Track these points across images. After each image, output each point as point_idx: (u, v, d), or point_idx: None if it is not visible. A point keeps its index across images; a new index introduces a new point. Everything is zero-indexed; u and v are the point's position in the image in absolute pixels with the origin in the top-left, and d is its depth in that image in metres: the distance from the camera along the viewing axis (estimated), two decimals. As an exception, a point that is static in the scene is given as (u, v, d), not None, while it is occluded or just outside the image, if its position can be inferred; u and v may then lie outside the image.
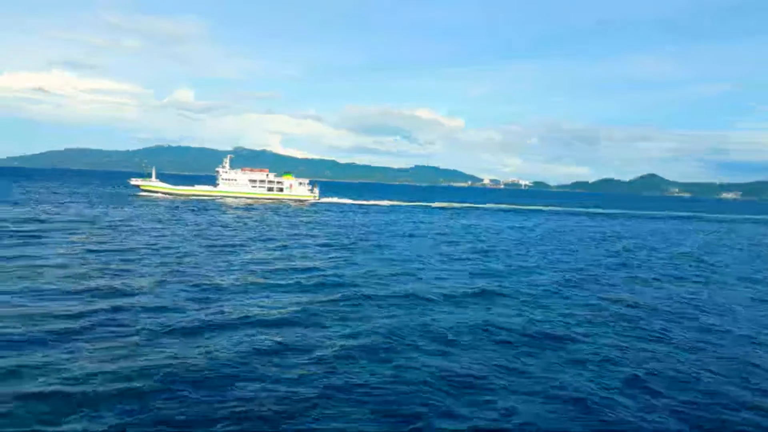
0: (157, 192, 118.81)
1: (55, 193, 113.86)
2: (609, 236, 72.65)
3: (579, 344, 21.46)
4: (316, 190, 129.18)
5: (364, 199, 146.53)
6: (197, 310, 23.52)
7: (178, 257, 36.77)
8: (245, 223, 65.81)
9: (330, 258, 40.32)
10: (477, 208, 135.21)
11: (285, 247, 45.59)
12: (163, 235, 48.23)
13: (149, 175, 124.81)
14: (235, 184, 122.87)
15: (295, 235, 55.74)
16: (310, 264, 36.96)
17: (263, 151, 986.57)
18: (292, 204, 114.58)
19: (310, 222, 72.51)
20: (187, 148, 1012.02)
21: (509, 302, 28.15)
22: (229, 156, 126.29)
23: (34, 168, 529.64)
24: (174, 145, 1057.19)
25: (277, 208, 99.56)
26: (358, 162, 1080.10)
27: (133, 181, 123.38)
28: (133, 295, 25.53)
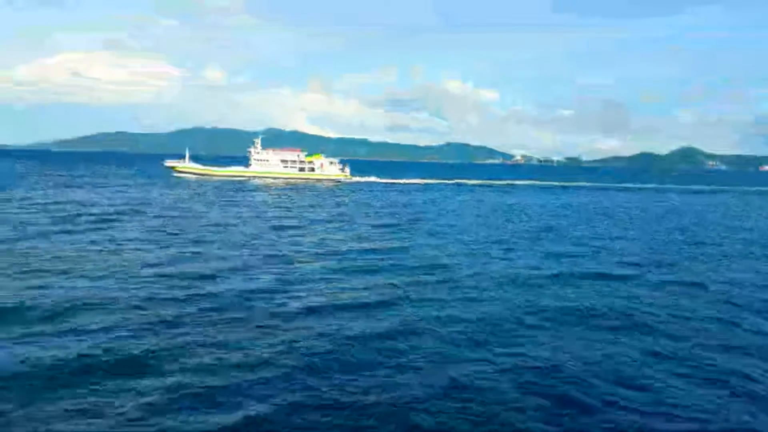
0: (190, 173, 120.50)
1: (104, 177, 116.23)
2: (666, 213, 70.42)
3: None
4: (347, 170, 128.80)
5: (395, 178, 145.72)
6: (297, 294, 23.22)
7: (249, 239, 36.94)
8: (293, 203, 66.76)
9: (396, 238, 39.97)
10: (514, 186, 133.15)
11: (344, 228, 45.52)
12: (226, 218, 48.77)
13: (183, 157, 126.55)
14: (267, 165, 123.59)
15: (344, 214, 55.96)
16: (379, 245, 36.61)
17: (295, 132, 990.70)
18: (325, 184, 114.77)
19: (353, 202, 72.54)
20: (221, 130, 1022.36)
21: (604, 283, 27.12)
22: (260, 137, 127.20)
23: (75, 152, 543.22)
24: (208, 127, 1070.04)
25: (312, 187, 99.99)
26: (390, 140, 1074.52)
27: (168, 163, 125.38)
28: (226, 278, 25.45)
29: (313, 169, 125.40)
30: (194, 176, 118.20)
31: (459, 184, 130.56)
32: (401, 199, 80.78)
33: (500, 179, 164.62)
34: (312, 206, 63.99)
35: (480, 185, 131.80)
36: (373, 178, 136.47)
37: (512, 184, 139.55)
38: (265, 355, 16.26)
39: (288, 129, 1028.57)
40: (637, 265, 32.24)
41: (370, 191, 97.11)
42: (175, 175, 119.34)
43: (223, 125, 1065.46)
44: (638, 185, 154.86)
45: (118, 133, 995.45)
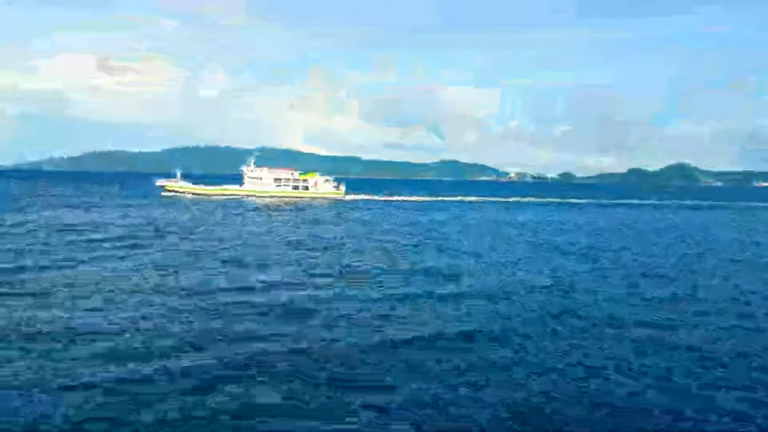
0: (182, 192, 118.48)
1: (101, 197, 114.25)
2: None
3: None
4: (342, 188, 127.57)
5: (391, 195, 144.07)
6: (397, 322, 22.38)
7: (293, 262, 36.04)
8: (301, 222, 67.26)
9: (433, 258, 39.63)
10: (518, 203, 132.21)
11: (382, 248, 44.76)
12: (253, 238, 48.19)
13: (174, 176, 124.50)
14: (261, 183, 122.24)
15: (364, 234, 55.33)
16: (425, 264, 36.21)
17: (289, 150, 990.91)
18: (319, 202, 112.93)
19: (359, 221, 71.14)
20: (216, 148, 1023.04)
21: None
22: (255, 155, 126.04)
23: (72, 171, 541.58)
24: (202, 145, 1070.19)
25: (307, 206, 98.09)
26: (383, 158, 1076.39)
27: (159, 182, 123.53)
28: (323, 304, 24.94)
29: (307, 188, 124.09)
30: (186, 195, 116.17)
31: (461, 202, 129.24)
32: (404, 217, 79.01)
33: (504, 196, 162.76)
34: (322, 226, 63.06)
35: (482, 202, 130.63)
36: (368, 196, 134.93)
37: (518, 201, 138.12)
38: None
39: (283, 147, 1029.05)
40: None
41: (376, 209, 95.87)
42: (166, 194, 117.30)
43: (217, 143, 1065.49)
44: (653, 201, 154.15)
45: (110, 152, 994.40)
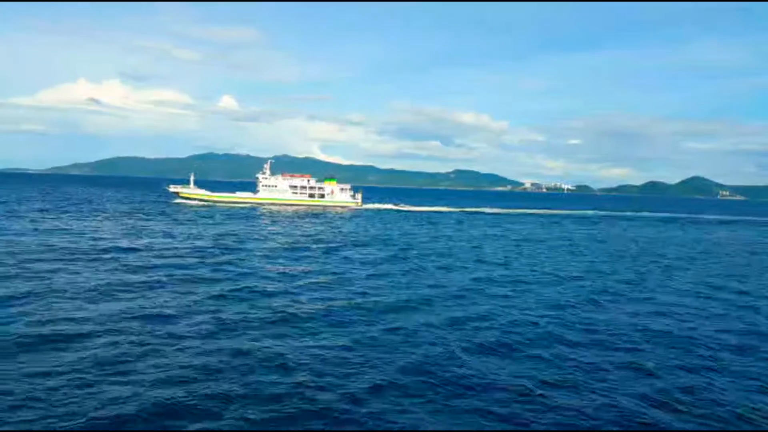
0: (194, 199, 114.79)
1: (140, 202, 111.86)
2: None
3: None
4: (359, 196, 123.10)
5: (409, 205, 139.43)
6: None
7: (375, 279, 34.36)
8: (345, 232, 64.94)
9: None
10: (540, 215, 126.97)
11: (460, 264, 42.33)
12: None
13: (188, 182, 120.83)
14: (276, 191, 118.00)
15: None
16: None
17: (306, 158, 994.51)
18: (336, 210, 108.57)
19: (398, 233, 66.81)
20: (236, 156, 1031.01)
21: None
22: (269, 161, 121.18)
23: (97, 176, 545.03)
24: (223, 153, 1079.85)
25: (322, 215, 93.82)
26: (398, 167, 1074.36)
27: (172, 188, 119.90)
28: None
29: (323, 196, 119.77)
30: (198, 202, 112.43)
31: (479, 213, 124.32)
32: (435, 230, 73.77)
33: (518, 208, 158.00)
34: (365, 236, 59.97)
35: (506, 213, 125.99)
36: (386, 205, 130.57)
37: (536, 213, 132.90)
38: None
39: (301, 156, 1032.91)
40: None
41: (402, 219, 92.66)
42: (179, 201, 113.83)
43: (236, 151, 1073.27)
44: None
45: (133, 158, 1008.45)
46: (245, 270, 35.16)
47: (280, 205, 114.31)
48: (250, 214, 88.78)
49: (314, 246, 49.52)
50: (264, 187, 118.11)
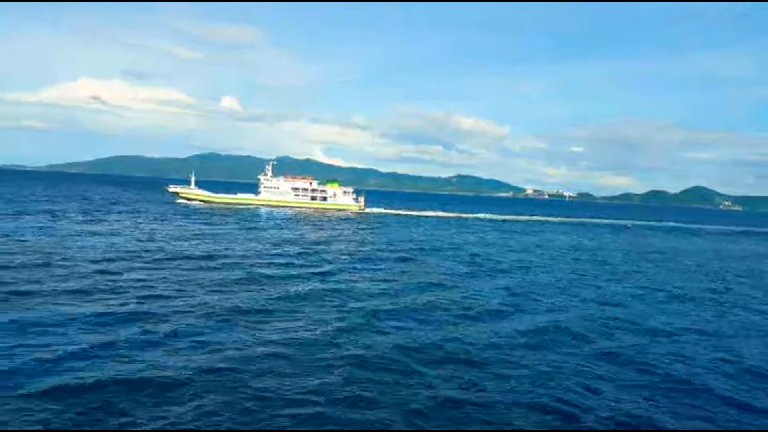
0: (194, 200, 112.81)
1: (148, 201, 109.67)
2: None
3: None
4: (362, 200, 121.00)
5: (412, 210, 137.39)
6: None
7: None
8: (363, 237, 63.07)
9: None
10: (544, 222, 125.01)
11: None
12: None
13: (188, 182, 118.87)
14: (277, 192, 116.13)
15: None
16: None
17: (306, 160, 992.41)
18: (338, 214, 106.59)
19: (409, 239, 64.12)
20: (238, 157, 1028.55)
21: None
22: (272, 163, 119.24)
23: (97, 174, 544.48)
24: (225, 153, 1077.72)
25: (325, 218, 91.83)
26: (399, 171, 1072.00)
27: (172, 188, 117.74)
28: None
29: (325, 198, 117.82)
30: (199, 203, 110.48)
31: (491, 220, 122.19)
32: (455, 237, 70.73)
33: (522, 214, 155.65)
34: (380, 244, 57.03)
35: (514, 220, 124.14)
36: (389, 210, 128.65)
37: (540, 221, 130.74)
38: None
39: (302, 157, 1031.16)
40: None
41: (412, 225, 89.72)
42: (178, 201, 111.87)
43: (238, 152, 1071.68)
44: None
45: (133, 156, 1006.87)
46: (378, 276, 36.09)
47: (282, 207, 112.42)
48: (275, 216, 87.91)
49: (388, 254, 48.09)
50: (266, 189, 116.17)
